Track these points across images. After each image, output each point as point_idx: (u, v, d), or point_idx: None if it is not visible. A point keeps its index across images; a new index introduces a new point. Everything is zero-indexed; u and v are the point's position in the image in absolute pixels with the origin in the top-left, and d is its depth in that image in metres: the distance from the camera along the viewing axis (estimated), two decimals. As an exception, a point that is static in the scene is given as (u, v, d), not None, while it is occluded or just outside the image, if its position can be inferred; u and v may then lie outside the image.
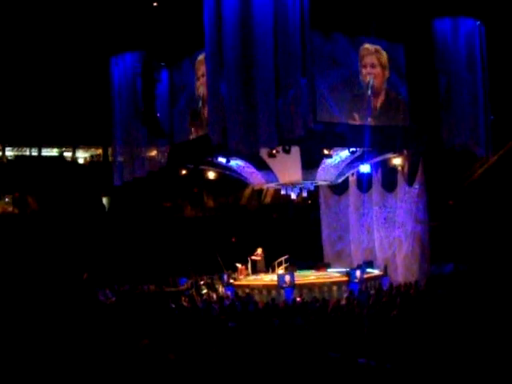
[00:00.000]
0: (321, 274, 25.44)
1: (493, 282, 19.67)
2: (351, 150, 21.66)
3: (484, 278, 21.43)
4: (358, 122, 20.83)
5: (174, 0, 25.99)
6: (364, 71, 21.01)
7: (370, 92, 20.98)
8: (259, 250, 26.15)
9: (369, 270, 24.61)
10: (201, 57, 21.42)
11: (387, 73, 21.42)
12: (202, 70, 21.48)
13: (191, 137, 22.71)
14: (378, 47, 21.30)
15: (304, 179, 23.12)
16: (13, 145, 38.78)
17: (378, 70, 21.24)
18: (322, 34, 20.15)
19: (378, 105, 21.27)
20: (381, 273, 24.54)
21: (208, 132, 19.55)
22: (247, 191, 36.11)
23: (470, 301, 16.07)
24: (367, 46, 21.15)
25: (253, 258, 25.81)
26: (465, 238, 27.20)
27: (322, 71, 20.20)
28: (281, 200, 31.75)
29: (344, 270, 24.76)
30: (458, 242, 26.74)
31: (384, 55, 21.36)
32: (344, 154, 22.28)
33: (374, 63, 21.17)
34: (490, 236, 26.83)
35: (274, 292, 22.00)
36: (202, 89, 21.63)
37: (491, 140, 22.28)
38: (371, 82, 21.02)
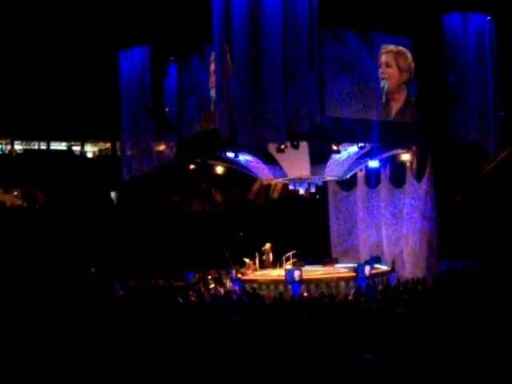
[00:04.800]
0: (328, 269, 25.43)
1: (501, 279, 19.62)
2: (360, 145, 21.61)
3: (493, 274, 21.38)
4: (366, 118, 20.74)
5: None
6: (380, 70, 20.88)
7: (384, 98, 20.90)
8: (267, 245, 26.18)
9: (376, 265, 24.57)
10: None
11: (407, 76, 21.27)
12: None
13: (204, 130, 22.69)
14: (400, 49, 21.16)
15: (312, 174, 23.10)
16: (22, 138, 38.93)
17: (393, 70, 21.09)
18: (331, 36, 20.07)
19: (397, 107, 21.19)
20: (388, 269, 24.49)
21: (216, 126, 19.55)
22: (255, 186, 36.10)
23: (478, 297, 16.03)
24: (389, 46, 21.02)
25: (264, 248, 25.87)
26: (473, 234, 27.13)
27: (332, 74, 20.13)
28: (289, 195, 31.72)
29: (351, 265, 24.73)
30: (466, 238, 26.68)
31: (407, 59, 21.21)
32: (352, 149, 22.23)
33: (388, 62, 21.00)
34: (498, 232, 26.76)
35: (281, 287, 21.98)
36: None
37: (500, 136, 22.19)
38: (386, 88, 20.92)
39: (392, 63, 21.07)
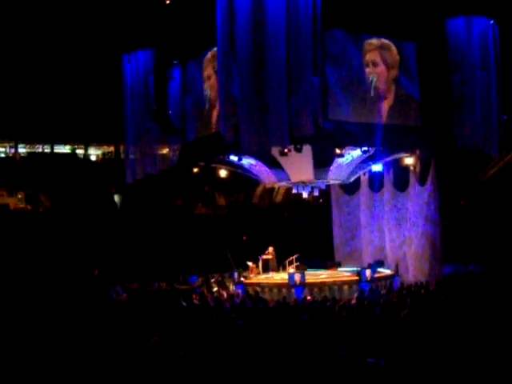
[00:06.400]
0: (331, 273, 25.44)
1: (505, 283, 19.59)
2: (363, 149, 21.62)
3: (496, 278, 21.34)
4: (369, 121, 20.71)
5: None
6: (367, 70, 20.81)
7: (373, 93, 20.82)
8: (270, 249, 26.14)
9: (379, 269, 24.57)
10: (209, 55, 21.50)
11: (395, 72, 21.17)
12: (209, 68, 21.55)
13: (199, 136, 22.75)
14: (385, 42, 20.95)
15: (316, 178, 23.11)
16: (25, 142, 38.94)
17: (380, 68, 20.95)
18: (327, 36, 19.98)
19: (388, 106, 21.11)
20: (392, 272, 24.49)
21: (220, 130, 19.57)
22: (259, 190, 36.11)
23: (481, 301, 16.00)
24: (372, 40, 20.86)
25: (264, 257, 25.79)
26: (477, 237, 27.09)
27: (329, 68, 20.07)
28: (292, 199, 31.74)
29: (355, 269, 24.70)
30: (470, 241, 26.64)
31: (392, 52, 21.06)
32: (356, 153, 22.25)
33: (375, 61, 20.86)
34: (501, 236, 26.72)
35: (284, 291, 22.00)
36: (210, 88, 21.66)
37: (504, 140, 22.19)
38: (374, 82, 20.85)
39: (378, 61, 20.91)
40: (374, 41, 20.79)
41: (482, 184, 30.26)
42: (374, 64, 20.75)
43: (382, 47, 20.86)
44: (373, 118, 20.65)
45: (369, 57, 20.66)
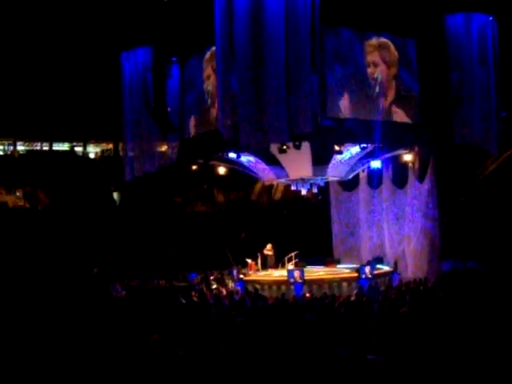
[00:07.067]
0: (330, 269, 25.42)
1: (504, 279, 19.62)
2: (362, 146, 21.61)
3: (495, 275, 21.37)
4: (368, 118, 20.71)
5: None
6: (368, 70, 20.81)
7: (377, 89, 20.81)
8: (269, 246, 26.18)
9: (378, 266, 24.58)
10: (208, 55, 21.49)
11: (394, 70, 21.16)
12: (209, 68, 21.53)
13: (198, 133, 22.73)
14: (383, 41, 20.95)
15: (314, 175, 23.09)
16: (24, 139, 38.95)
17: (381, 68, 20.98)
18: (326, 28, 19.94)
19: (388, 102, 21.11)
20: (391, 269, 24.50)
21: (218, 127, 19.56)
22: (257, 187, 36.09)
23: (480, 298, 16.02)
24: (371, 41, 20.86)
25: (265, 252, 25.86)
26: (476, 234, 27.10)
27: (329, 66, 20.06)
28: (291, 196, 31.71)
29: (354, 266, 24.73)
30: (468, 238, 26.65)
31: (391, 50, 21.06)
32: (355, 150, 22.23)
33: (375, 61, 20.85)
34: (500, 232, 26.73)
35: (283, 287, 22.01)
36: (210, 86, 21.66)
37: (503, 136, 22.18)
38: (379, 79, 20.84)
39: (378, 61, 20.92)
40: (373, 41, 20.79)
41: (481, 181, 30.24)
42: (375, 64, 20.78)
43: (380, 47, 20.87)
44: (373, 115, 20.64)
45: (369, 58, 20.68)
